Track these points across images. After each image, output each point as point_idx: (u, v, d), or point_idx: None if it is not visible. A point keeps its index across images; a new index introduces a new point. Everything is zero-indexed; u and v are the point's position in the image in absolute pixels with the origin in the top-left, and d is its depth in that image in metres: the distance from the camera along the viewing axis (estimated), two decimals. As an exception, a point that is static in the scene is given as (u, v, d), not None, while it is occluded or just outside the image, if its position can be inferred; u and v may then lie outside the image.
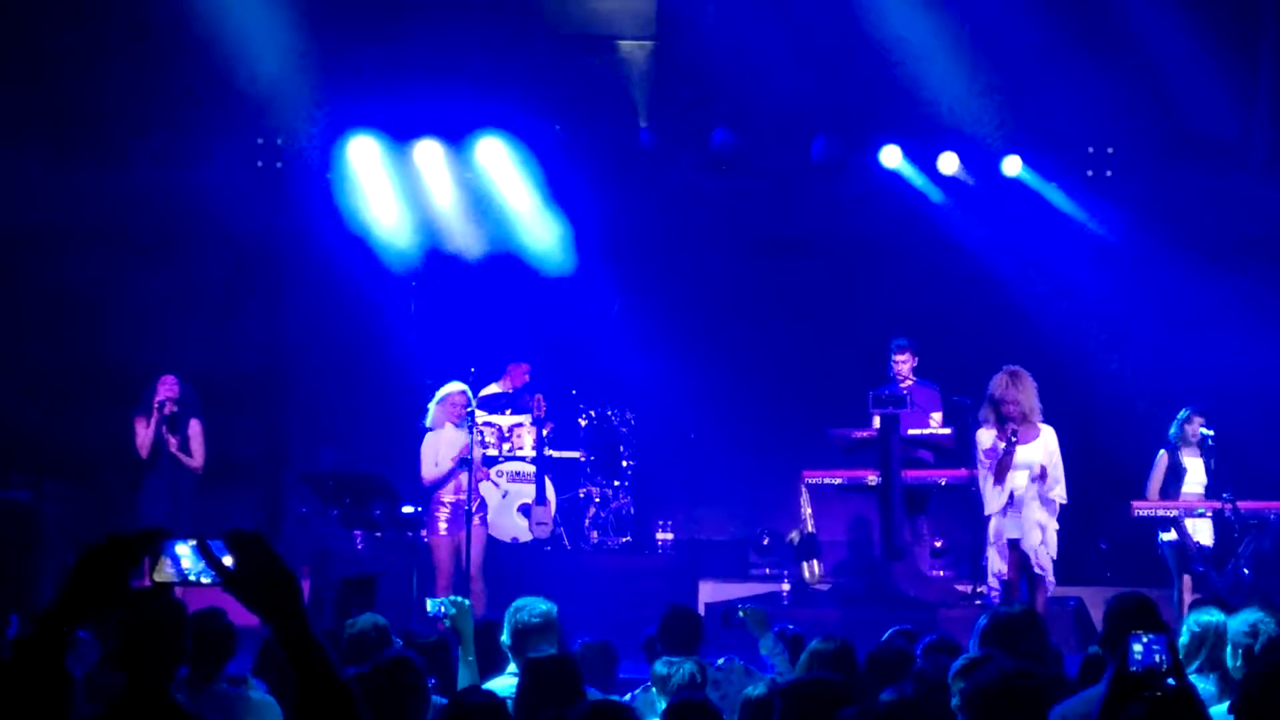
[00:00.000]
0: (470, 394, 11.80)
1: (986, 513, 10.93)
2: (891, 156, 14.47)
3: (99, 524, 12.30)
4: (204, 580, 2.77)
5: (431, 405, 11.73)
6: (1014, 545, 10.79)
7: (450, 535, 11.51)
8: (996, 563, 10.87)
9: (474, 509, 11.39)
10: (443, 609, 6.98)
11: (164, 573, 2.79)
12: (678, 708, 5.19)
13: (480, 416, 12.49)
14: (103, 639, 4.09)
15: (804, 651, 6.39)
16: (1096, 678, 5.71)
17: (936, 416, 12.60)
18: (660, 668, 6.51)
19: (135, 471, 12.08)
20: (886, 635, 7.10)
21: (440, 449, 11.58)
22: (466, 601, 7.11)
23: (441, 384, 11.94)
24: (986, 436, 10.88)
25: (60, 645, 2.72)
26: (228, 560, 2.72)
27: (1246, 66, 13.79)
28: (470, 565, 11.32)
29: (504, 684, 6.35)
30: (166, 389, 12.01)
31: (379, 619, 6.91)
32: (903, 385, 12.72)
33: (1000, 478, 10.77)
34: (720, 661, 6.93)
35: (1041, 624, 6.68)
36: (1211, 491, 12.03)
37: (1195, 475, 12.16)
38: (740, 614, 7.56)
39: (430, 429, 11.70)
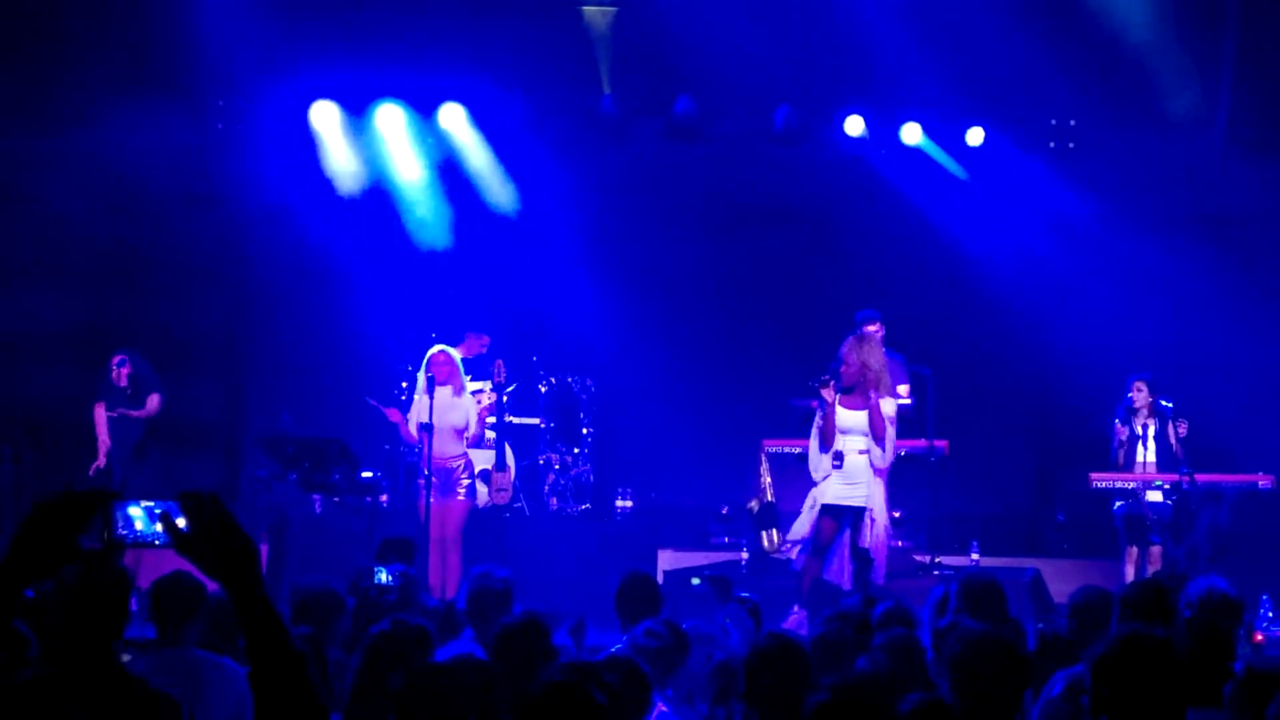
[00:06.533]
0: (453, 354, 11.77)
1: (815, 478, 10.83)
2: (855, 126, 14.46)
3: (51, 485, 12.21)
4: (156, 543, 2.73)
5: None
6: (828, 510, 10.70)
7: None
8: (803, 526, 10.77)
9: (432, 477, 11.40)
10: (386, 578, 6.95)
11: (116, 533, 2.75)
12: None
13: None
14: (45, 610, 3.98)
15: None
16: (1053, 652, 5.74)
17: (904, 388, 12.52)
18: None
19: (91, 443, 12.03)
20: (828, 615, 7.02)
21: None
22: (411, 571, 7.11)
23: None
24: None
25: (9, 604, 2.68)
26: (182, 522, 2.69)
27: (1209, 40, 13.81)
28: (448, 535, 11.41)
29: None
30: (124, 370, 11.97)
31: (328, 583, 6.85)
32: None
33: (825, 444, 10.73)
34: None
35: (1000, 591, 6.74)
36: (1161, 461, 11.97)
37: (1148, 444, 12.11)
38: (696, 581, 7.48)
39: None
